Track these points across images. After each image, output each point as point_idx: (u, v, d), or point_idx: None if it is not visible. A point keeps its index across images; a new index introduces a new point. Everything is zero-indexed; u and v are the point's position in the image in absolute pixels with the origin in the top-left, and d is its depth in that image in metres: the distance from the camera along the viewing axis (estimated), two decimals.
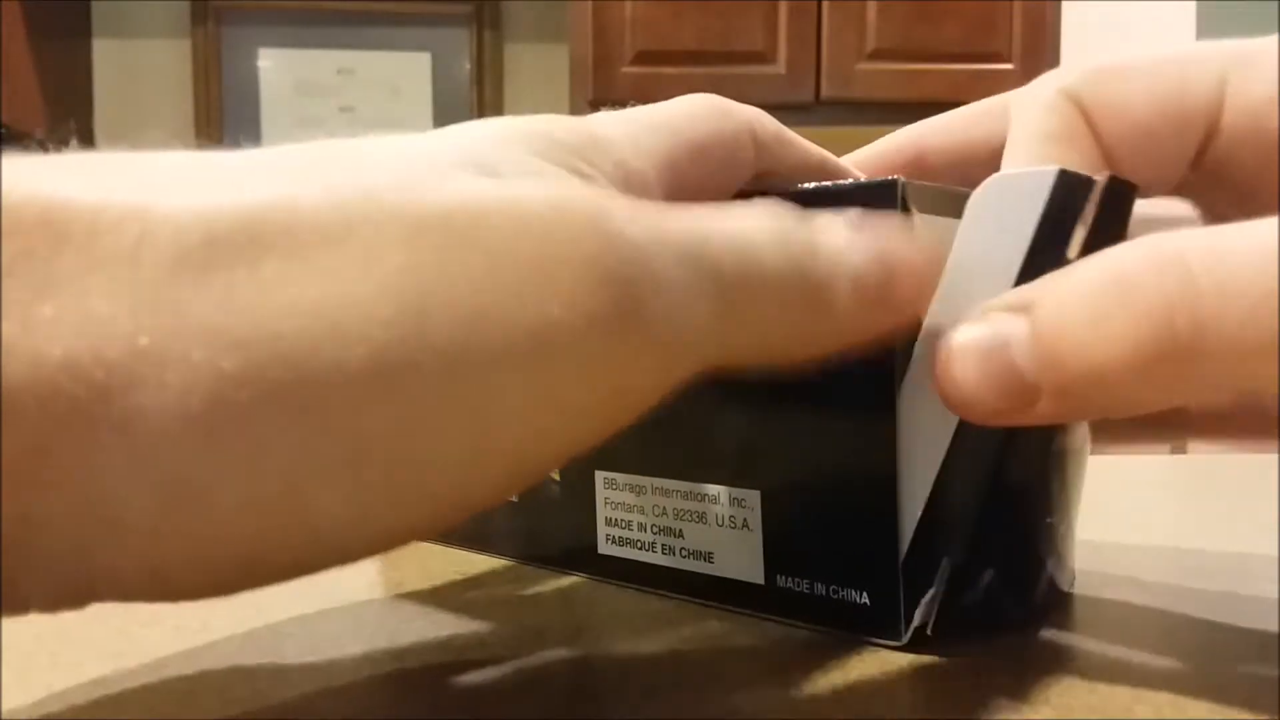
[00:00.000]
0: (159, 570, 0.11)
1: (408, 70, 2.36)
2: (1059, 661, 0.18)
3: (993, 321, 0.16)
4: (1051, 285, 0.15)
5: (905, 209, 0.18)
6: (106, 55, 2.26)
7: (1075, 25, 1.93)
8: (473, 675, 0.18)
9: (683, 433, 0.21)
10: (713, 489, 0.21)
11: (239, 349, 0.11)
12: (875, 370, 0.18)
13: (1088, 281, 0.15)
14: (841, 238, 0.15)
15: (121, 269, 0.11)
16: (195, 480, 0.11)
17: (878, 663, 0.18)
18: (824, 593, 0.19)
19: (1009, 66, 1.85)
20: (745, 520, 0.20)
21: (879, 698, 0.17)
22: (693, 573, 0.21)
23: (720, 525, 0.21)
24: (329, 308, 0.11)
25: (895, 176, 0.18)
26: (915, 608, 0.18)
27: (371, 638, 0.20)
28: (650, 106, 0.19)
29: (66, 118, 2.11)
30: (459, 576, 0.24)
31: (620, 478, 0.22)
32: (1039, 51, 1.85)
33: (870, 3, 1.84)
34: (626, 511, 0.22)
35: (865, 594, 0.19)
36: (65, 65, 2.13)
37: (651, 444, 0.21)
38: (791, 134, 0.20)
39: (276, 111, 2.35)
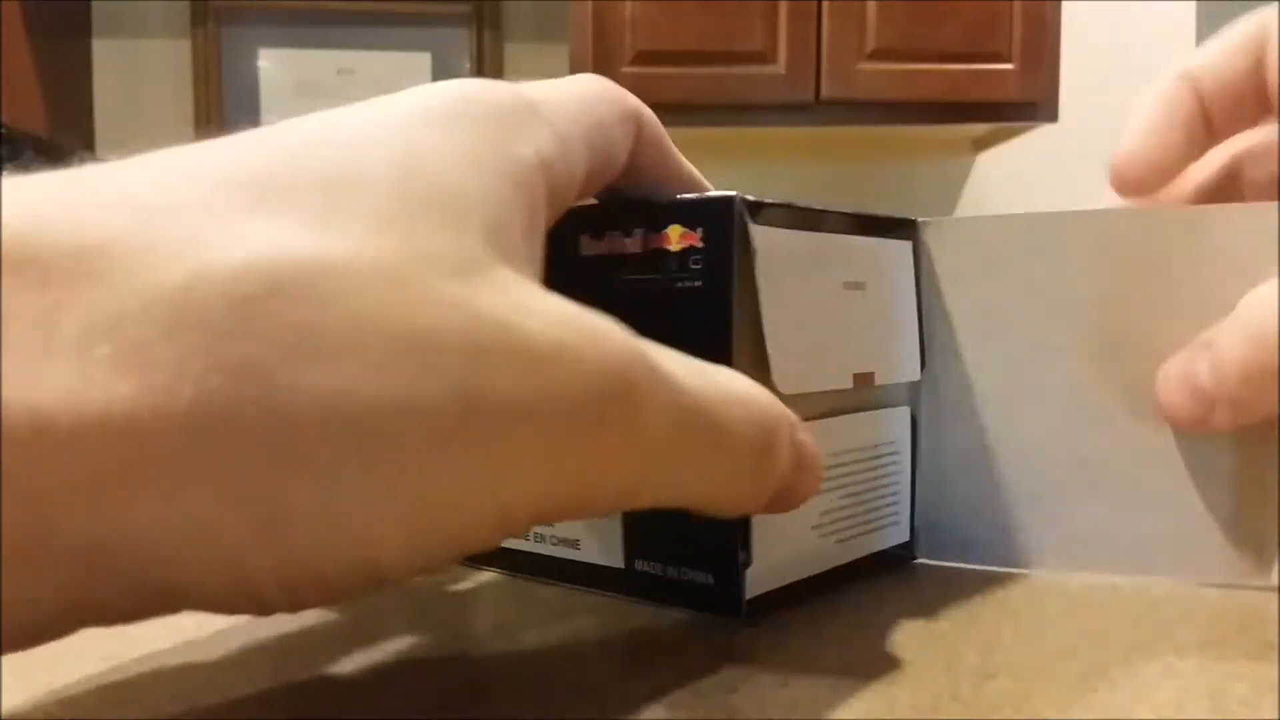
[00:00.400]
0: (247, 583, 0.12)
1: (408, 70, 2.36)
2: (1059, 661, 0.18)
3: (1190, 353, 0.22)
4: (1224, 328, 0.22)
5: (743, 221, 0.20)
6: (106, 55, 2.26)
7: (1075, 25, 1.93)
8: (473, 674, 0.18)
9: None
10: None
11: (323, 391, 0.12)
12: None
13: (1241, 328, 0.22)
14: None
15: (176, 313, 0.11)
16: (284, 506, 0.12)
17: (873, 659, 0.18)
18: (675, 575, 0.21)
19: (1009, 66, 1.85)
20: None
21: (879, 698, 0.17)
22: (561, 559, 0.23)
23: None
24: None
25: (733, 193, 0.20)
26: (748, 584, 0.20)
27: (371, 637, 0.20)
28: (554, 82, 0.19)
29: (66, 118, 2.11)
30: (466, 579, 0.24)
31: None
32: (1039, 51, 1.85)
33: (870, 3, 1.84)
34: None
35: (710, 575, 0.20)
36: (65, 65, 2.13)
37: None
38: (669, 141, 0.21)
39: (276, 112, 2.35)
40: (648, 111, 0.20)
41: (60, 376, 0.11)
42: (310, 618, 0.21)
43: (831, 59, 1.85)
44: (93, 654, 0.18)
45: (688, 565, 0.21)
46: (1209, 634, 0.20)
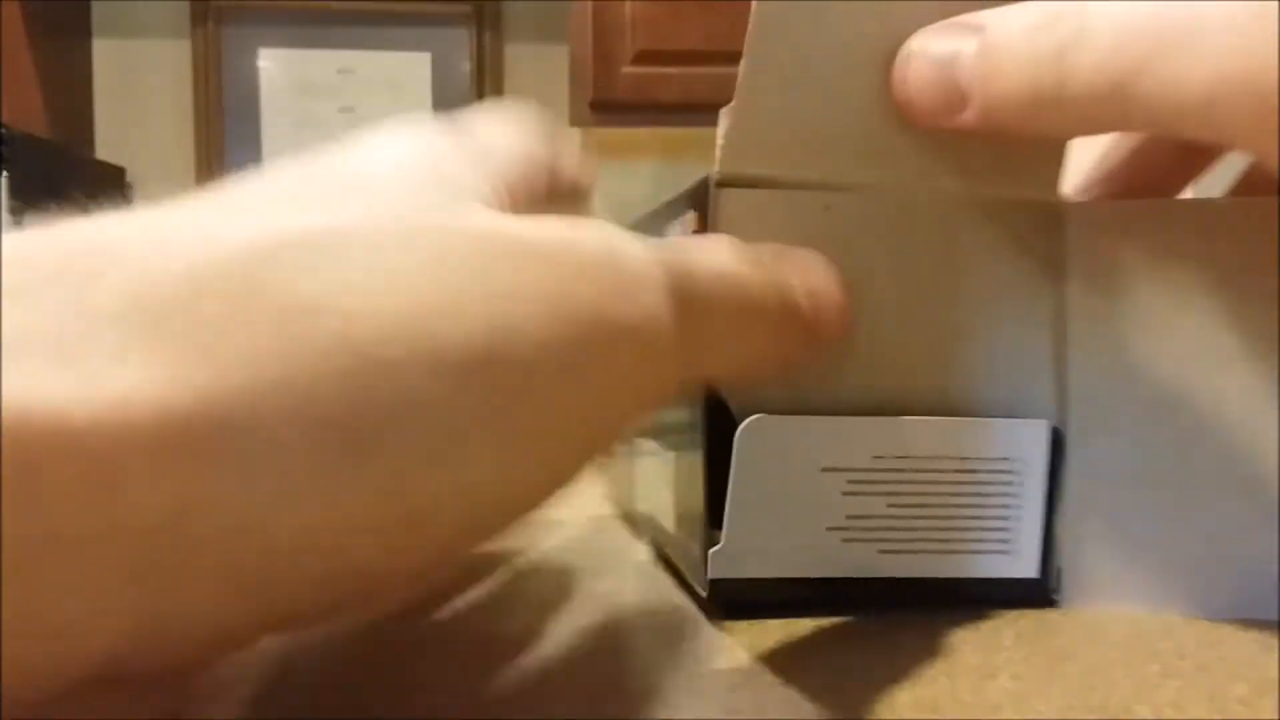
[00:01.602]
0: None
1: (408, 70, 2.36)
2: (1059, 661, 0.18)
3: (950, 34, 0.18)
4: (1000, 16, 0.18)
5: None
6: (106, 55, 2.26)
7: None
8: (473, 674, 0.18)
9: None
10: None
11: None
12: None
13: (1024, 17, 0.18)
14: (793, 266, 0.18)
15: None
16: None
17: (872, 659, 0.18)
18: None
19: None
20: None
21: (877, 699, 0.17)
22: None
23: None
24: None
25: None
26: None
27: (370, 637, 0.20)
28: (485, 116, 0.19)
29: (66, 118, 2.11)
30: (462, 576, 0.24)
31: None
32: None
33: None
34: None
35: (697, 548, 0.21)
36: (65, 65, 2.13)
37: None
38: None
39: (276, 111, 2.35)
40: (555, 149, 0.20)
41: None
42: None
43: None
44: None
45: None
46: (1209, 634, 0.20)
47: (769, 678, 0.18)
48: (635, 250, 0.15)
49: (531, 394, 0.13)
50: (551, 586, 0.23)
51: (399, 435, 0.11)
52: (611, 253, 0.14)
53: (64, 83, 2.12)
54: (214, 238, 0.12)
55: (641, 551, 0.27)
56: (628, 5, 1.86)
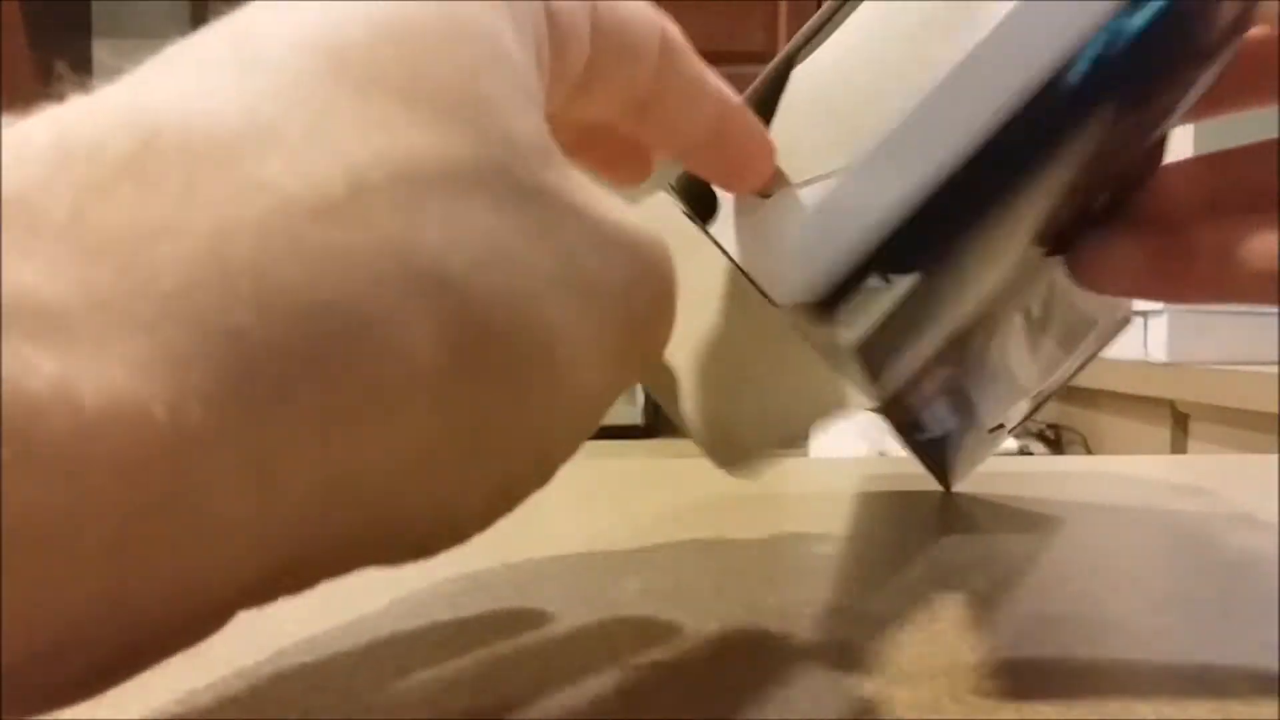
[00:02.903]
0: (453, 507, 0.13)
1: None
2: (1060, 661, 0.18)
3: None
4: None
5: None
6: (106, 55, 2.26)
7: None
8: (473, 674, 0.18)
9: None
10: None
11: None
12: None
13: None
14: None
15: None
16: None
17: (876, 660, 0.18)
18: None
19: None
20: None
21: (879, 697, 0.17)
22: None
23: None
24: None
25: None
26: None
27: (370, 637, 0.20)
28: None
29: None
30: (461, 577, 0.24)
31: None
32: None
33: None
34: None
35: None
36: (65, 65, 2.12)
37: None
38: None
39: None
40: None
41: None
42: (309, 618, 0.21)
43: None
44: None
45: None
46: (1209, 634, 0.20)
47: (769, 677, 0.18)
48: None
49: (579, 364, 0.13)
50: None
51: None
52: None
53: (64, 83, 2.12)
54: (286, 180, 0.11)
55: None
56: None
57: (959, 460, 0.32)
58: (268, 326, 0.10)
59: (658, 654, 0.19)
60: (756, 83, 0.18)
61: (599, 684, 0.18)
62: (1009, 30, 0.15)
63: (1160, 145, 0.21)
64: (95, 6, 2.27)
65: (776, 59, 0.18)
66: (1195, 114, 0.21)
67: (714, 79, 0.18)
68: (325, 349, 0.10)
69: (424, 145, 0.12)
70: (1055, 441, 1.45)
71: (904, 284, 0.15)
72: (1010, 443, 1.35)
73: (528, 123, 0.13)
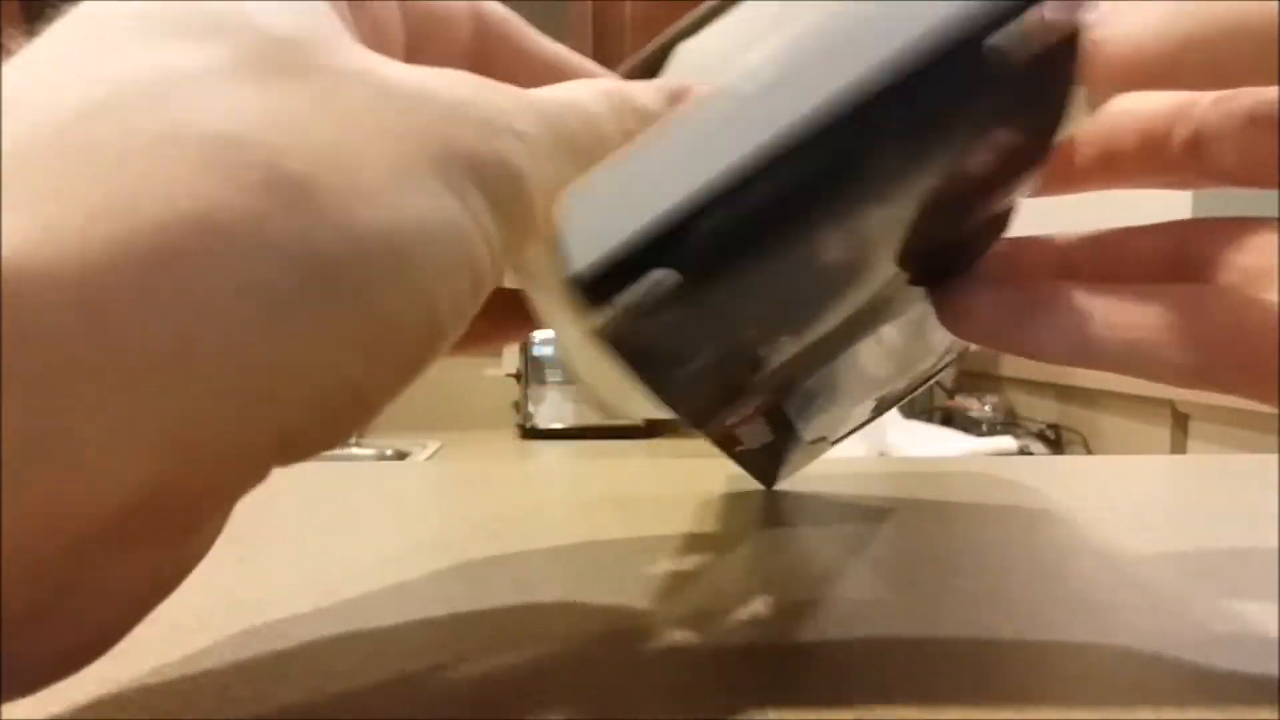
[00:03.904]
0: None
1: None
2: (1060, 661, 0.18)
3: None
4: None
5: None
6: None
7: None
8: (473, 675, 0.18)
9: None
10: None
11: None
12: None
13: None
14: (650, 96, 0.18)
15: None
16: None
17: (875, 660, 0.18)
18: None
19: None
20: None
21: (879, 697, 0.17)
22: None
23: None
24: None
25: None
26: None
27: (371, 637, 0.20)
28: None
29: None
30: (461, 577, 0.24)
31: None
32: None
33: None
34: None
35: None
36: None
37: None
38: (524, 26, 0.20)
39: None
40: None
41: None
42: (309, 618, 0.21)
43: None
44: None
45: None
46: (1210, 633, 0.20)
47: (768, 677, 0.18)
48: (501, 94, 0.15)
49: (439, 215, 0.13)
50: None
51: (357, 261, 0.12)
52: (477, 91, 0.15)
53: None
54: (103, 78, 0.12)
55: None
56: (627, 5, 1.86)
57: (780, 466, 0.33)
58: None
59: (658, 653, 0.19)
60: (639, 56, 0.19)
61: (599, 684, 0.18)
62: (809, 51, 0.15)
63: (1007, 211, 0.20)
64: None
65: (662, 37, 0.19)
66: (1048, 189, 0.22)
67: (555, 51, 0.20)
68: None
69: (185, 52, 0.13)
70: (1055, 441, 1.45)
71: (667, 282, 0.15)
72: (1009, 442, 1.35)
73: (293, 18, 0.14)
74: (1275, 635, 0.20)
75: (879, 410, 0.32)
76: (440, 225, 0.13)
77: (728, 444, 0.27)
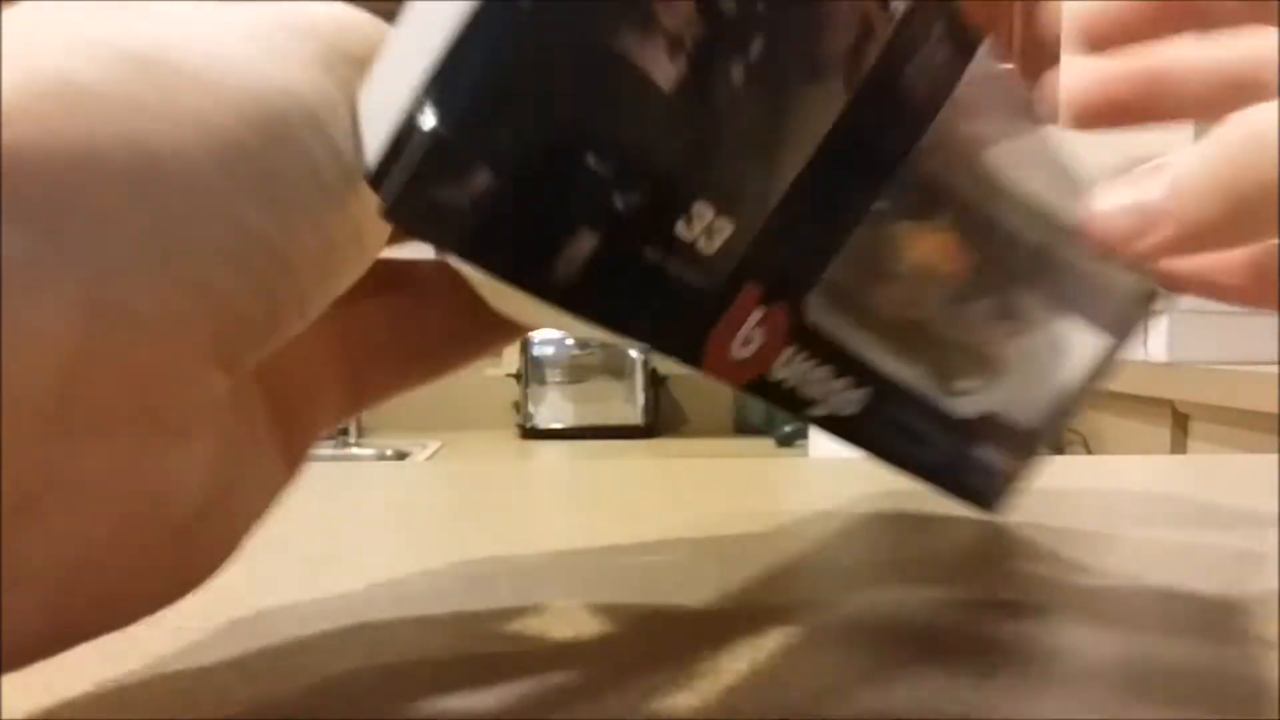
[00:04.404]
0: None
1: None
2: (1060, 660, 0.18)
3: (1139, 177, 0.19)
4: (1188, 149, 0.19)
5: None
6: None
7: None
8: (473, 675, 0.18)
9: None
10: None
11: None
12: None
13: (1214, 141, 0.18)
14: None
15: None
16: None
17: (875, 660, 0.18)
18: None
19: (1008, 66, 1.85)
20: None
21: (879, 697, 0.17)
22: None
23: None
24: None
25: None
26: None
27: (371, 637, 0.20)
28: None
29: None
30: (461, 577, 0.24)
31: None
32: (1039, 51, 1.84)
33: None
34: None
35: None
36: None
37: None
38: None
39: None
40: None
41: None
42: (309, 618, 0.21)
43: None
44: (93, 654, 0.18)
45: None
46: (1210, 633, 0.20)
47: (768, 678, 0.18)
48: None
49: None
50: None
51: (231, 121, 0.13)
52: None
53: None
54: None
55: None
56: None
57: (931, 454, 0.23)
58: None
59: (658, 653, 0.19)
60: None
61: (599, 683, 0.18)
62: None
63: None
64: None
65: None
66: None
67: None
68: None
69: None
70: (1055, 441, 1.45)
71: (418, 138, 0.13)
72: None
73: None
74: (1275, 636, 0.20)
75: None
76: (303, 85, 0.14)
77: (792, 403, 0.19)
